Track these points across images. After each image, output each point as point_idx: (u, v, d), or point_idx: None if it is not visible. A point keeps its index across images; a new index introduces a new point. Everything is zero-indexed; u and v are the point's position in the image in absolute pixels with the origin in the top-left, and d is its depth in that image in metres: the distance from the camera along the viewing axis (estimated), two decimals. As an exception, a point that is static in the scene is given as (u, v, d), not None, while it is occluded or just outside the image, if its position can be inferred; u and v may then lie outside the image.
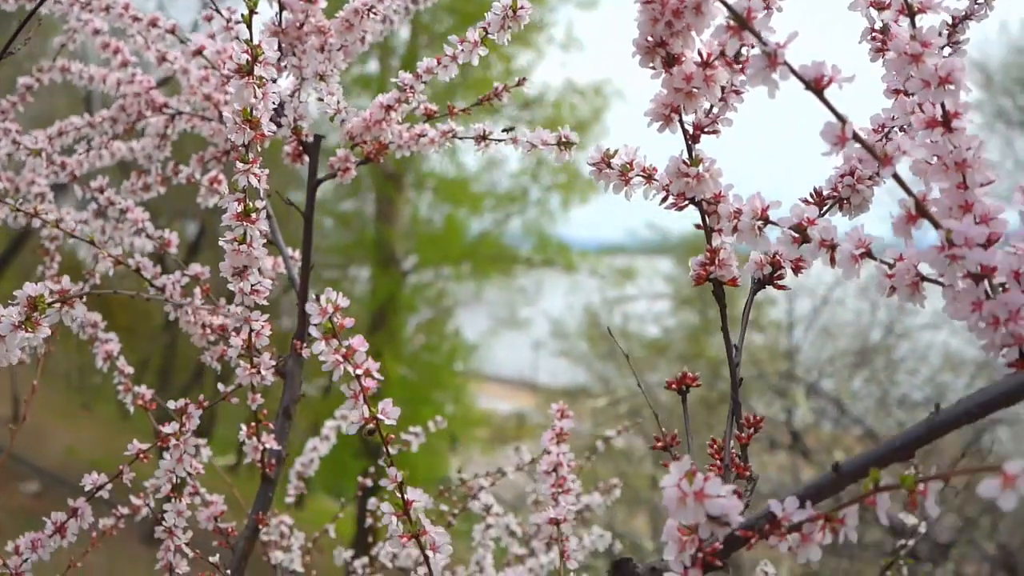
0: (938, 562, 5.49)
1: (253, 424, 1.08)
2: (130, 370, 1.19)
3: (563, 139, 0.97)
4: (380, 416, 0.72)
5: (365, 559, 1.48)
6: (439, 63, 1.02)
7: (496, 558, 1.53)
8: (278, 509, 1.57)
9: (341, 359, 0.71)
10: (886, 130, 0.81)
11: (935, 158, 0.63)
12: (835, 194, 0.80)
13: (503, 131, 1.05)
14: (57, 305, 0.74)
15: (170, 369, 10.56)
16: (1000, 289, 0.61)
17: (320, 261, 11.82)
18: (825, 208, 0.80)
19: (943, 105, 0.62)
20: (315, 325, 0.70)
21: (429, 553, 0.74)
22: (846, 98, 0.60)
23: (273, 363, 1.02)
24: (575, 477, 1.79)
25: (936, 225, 0.59)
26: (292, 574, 1.41)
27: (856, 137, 0.58)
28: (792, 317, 7.64)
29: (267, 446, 1.09)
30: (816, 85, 0.58)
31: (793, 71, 0.58)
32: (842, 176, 0.80)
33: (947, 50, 0.84)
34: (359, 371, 0.71)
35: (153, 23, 1.19)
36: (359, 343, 0.72)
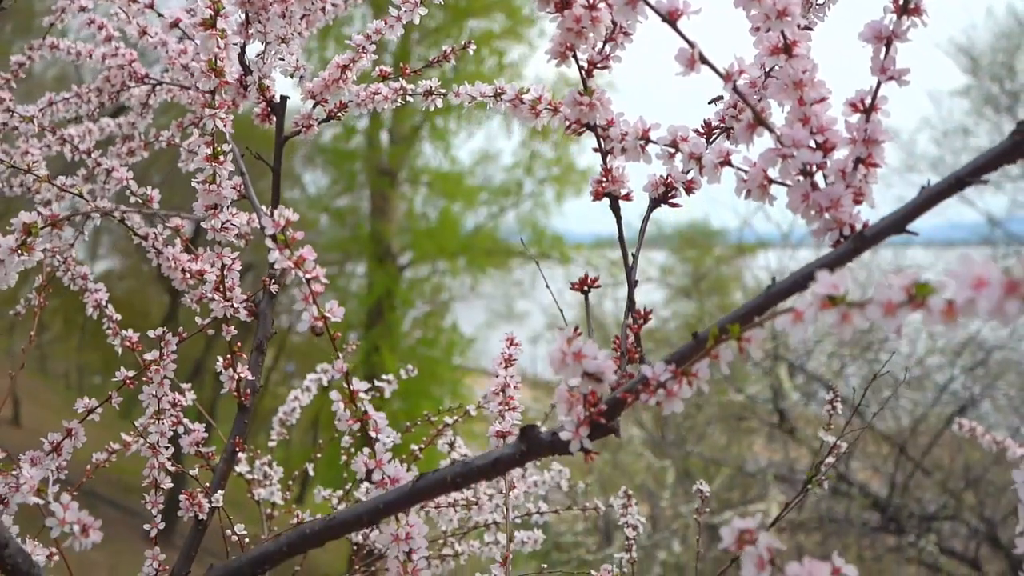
0: (921, 534, 5.61)
1: (229, 356, 1.20)
2: (118, 317, 1.31)
3: (498, 91, 1.09)
4: (328, 315, 0.84)
5: (340, 492, 1.61)
6: (386, 23, 1.15)
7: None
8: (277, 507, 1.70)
9: (293, 265, 0.83)
10: (767, 68, 0.93)
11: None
12: (722, 124, 0.92)
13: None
14: (48, 229, 0.86)
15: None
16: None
17: (317, 258, 11.89)
18: (714, 136, 0.92)
19: (783, 34, 0.74)
20: (269, 236, 0.82)
21: (372, 433, 0.86)
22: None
23: (244, 297, 1.14)
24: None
25: (770, 131, 0.71)
26: (272, 506, 1.54)
27: (703, 59, 0.70)
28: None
29: (242, 376, 1.21)
30: (671, 17, 0.70)
31: (650, 5, 0.70)
32: (728, 108, 0.92)
33: None
34: (309, 276, 0.83)
35: (133, -1, 1.31)
36: (308, 252, 0.84)
